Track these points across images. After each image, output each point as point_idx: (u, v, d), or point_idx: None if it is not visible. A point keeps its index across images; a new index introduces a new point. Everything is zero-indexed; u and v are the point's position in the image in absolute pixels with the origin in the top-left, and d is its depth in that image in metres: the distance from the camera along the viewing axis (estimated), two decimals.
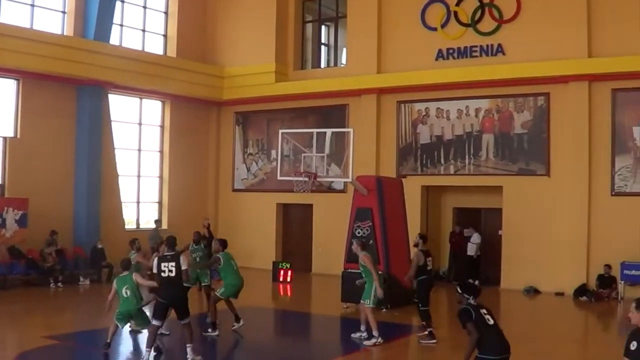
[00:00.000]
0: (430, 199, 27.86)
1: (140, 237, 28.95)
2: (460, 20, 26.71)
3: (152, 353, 13.50)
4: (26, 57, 24.48)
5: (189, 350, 13.47)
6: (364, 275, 16.30)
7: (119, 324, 14.26)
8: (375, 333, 15.67)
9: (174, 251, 14.15)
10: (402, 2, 27.95)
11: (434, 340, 16.00)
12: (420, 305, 16.50)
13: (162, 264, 13.62)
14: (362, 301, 16.23)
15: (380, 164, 27.90)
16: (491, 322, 9.72)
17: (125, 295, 14.00)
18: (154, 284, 14.23)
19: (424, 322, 16.43)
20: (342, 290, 20.59)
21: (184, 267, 13.67)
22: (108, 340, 14.15)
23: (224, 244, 16.83)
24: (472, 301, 9.99)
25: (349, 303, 20.42)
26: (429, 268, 16.72)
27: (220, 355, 15.96)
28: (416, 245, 17.27)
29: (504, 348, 9.67)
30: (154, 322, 13.62)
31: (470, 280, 10.88)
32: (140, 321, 14.57)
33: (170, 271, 13.55)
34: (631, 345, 8.05)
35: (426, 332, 16.23)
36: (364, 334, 16.17)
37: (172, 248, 14.19)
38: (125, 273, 14.36)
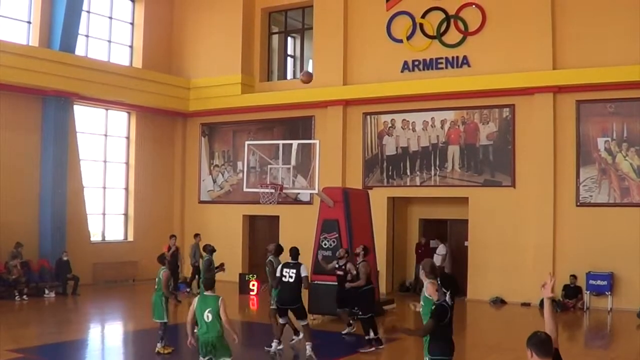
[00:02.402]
0: (396, 210, 27.93)
1: (107, 248, 29.08)
2: (425, 33, 26.85)
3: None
4: None
5: (308, 347, 15.30)
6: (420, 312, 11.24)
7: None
8: None
9: (297, 260, 15.89)
10: (368, 14, 28.05)
11: (382, 346, 16.22)
12: (361, 313, 16.71)
13: (284, 270, 15.60)
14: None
15: (346, 176, 27.93)
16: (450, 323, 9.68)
17: (207, 320, 11.35)
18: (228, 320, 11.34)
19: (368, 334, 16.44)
20: (309, 302, 20.54)
21: (303, 275, 15.52)
22: None
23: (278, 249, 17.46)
24: (448, 298, 9.59)
25: (316, 315, 20.43)
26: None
27: None
28: (357, 255, 17.69)
29: (453, 349, 9.69)
30: (281, 321, 15.80)
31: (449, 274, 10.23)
32: (223, 352, 11.54)
33: (291, 277, 15.47)
34: None
35: (372, 343, 16.29)
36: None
37: (295, 258, 15.97)
38: (209, 293, 11.70)
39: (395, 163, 27.25)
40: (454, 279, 10.37)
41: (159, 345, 15.55)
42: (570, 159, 24.07)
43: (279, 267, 15.88)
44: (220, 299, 11.37)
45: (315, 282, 20.15)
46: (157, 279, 15.82)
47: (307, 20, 31.02)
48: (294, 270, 15.43)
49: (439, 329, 9.49)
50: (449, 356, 9.60)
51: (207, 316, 11.30)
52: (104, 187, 30.18)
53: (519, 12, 25.12)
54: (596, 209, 23.64)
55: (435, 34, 26.65)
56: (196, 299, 11.61)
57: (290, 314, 15.95)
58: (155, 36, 31.91)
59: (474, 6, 25.97)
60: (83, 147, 28.45)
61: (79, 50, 28.10)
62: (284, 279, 15.51)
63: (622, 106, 23.42)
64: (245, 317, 23.20)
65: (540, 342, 6.18)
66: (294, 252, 16.00)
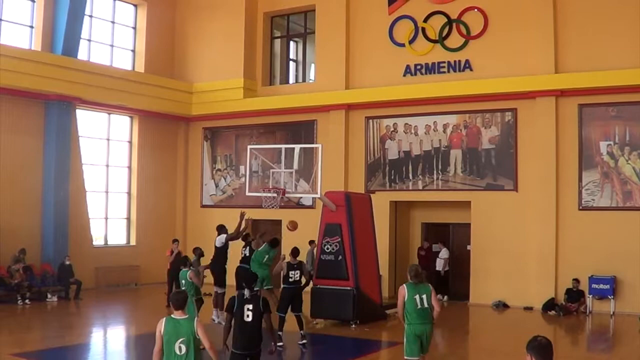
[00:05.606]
0: (398, 214, 27.90)
1: (110, 253, 29.03)
2: (428, 37, 26.84)
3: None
4: None
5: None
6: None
7: None
8: None
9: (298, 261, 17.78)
10: (370, 18, 28.05)
11: (281, 343, 16.25)
12: (277, 310, 17.09)
13: (290, 271, 17.40)
14: None
15: (348, 180, 27.92)
16: (249, 319, 10.22)
17: (178, 353, 8.71)
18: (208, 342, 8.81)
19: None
20: (311, 306, 20.53)
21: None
22: None
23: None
24: (245, 292, 10.37)
25: (318, 319, 20.43)
26: (290, 279, 17.44)
27: None
28: (283, 258, 18.47)
29: (245, 345, 10.24)
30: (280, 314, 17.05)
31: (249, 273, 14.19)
32: None
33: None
34: None
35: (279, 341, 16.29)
36: None
37: (295, 257, 17.70)
38: (179, 316, 8.92)
39: (398, 167, 27.23)
40: (250, 277, 11.12)
41: None
42: (573, 163, 24.05)
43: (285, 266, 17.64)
44: (196, 320, 8.82)
45: (318, 286, 20.22)
46: (183, 282, 16.22)
47: (309, 25, 31.02)
48: (298, 271, 17.53)
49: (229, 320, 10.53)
50: (238, 350, 10.27)
51: (180, 348, 8.63)
52: (107, 192, 30.16)
53: (521, 16, 25.12)
54: (598, 212, 23.60)
55: (437, 38, 26.64)
56: (162, 323, 8.79)
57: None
58: (158, 40, 31.93)
59: (476, 10, 25.97)
60: (85, 152, 28.41)
61: (82, 55, 28.09)
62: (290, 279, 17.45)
63: (624, 110, 23.41)
64: None
65: (540, 346, 6.15)
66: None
